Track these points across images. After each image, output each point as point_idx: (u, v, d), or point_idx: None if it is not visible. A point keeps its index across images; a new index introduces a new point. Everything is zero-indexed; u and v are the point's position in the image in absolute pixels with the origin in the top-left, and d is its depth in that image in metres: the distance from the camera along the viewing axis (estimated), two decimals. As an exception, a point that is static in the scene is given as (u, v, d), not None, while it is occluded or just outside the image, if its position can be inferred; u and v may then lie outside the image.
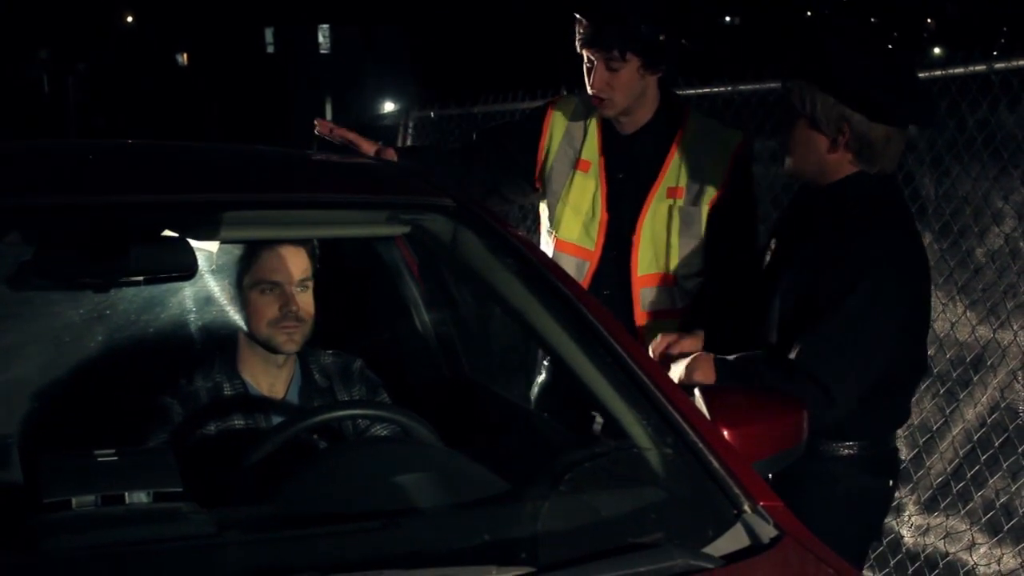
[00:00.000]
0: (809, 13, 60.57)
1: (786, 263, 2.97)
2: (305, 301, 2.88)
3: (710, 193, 3.38)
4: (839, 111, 2.85)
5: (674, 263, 3.39)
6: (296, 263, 2.87)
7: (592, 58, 3.36)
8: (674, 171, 3.40)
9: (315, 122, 3.55)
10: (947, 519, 4.69)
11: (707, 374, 2.87)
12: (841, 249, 2.83)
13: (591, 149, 3.49)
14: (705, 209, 3.38)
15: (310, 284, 2.90)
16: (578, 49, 3.40)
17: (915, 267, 2.92)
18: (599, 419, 2.71)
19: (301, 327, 2.88)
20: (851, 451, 2.94)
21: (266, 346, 2.89)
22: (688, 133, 3.43)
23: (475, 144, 3.67)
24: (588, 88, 3.40)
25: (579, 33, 3.36)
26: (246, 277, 2.87)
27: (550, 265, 2.71)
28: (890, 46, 3.19)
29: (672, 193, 3.39)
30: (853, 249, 2.82)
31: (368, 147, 3.49)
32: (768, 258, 3.08)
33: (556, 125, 3.55)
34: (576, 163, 3.50)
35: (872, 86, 2.82)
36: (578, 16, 3.36)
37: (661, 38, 3.33)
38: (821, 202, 2.95)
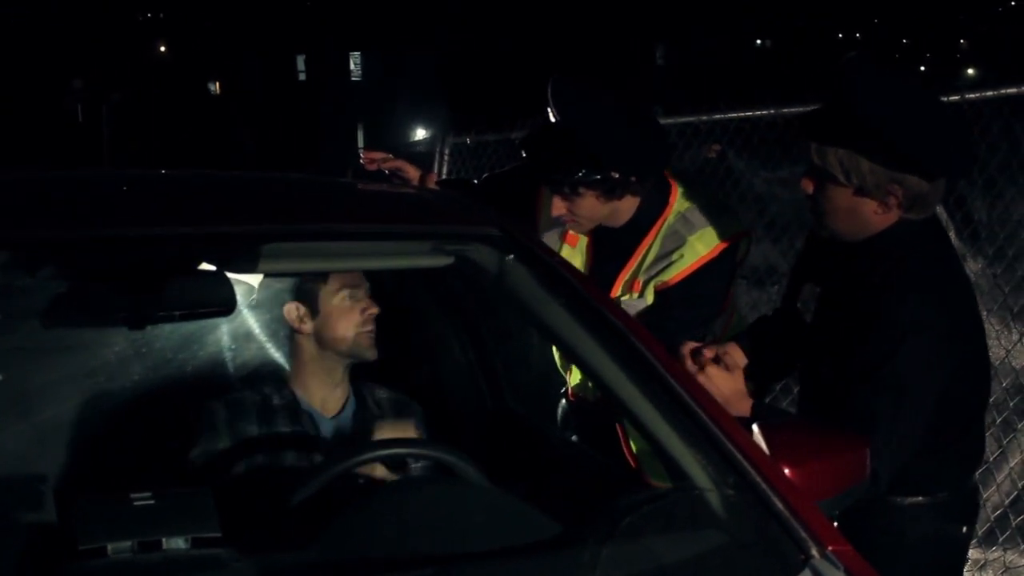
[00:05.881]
0: (840, 35, 60.53)
1: (826, 318, 2.81)
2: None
3: (656, 284, 3.22)
4: (890, 176, 2.61)
5: None
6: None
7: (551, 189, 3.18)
8: (638, 266, 3.25)
9: (361, 155, 3.51)
10: (1005, 553, 4.56)
11: (745, 408, 2.72)
12: (880, 314, 2.63)
13: None
14: (650, 299, 3.23)
15: None
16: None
17: (958, 318, 2.71)
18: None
19: (374, 332, 2.94)
20: (919, 501, 2.79)
21: (348, 354, 2.93)
22: (664, 229, 3.22)
23: (481, 190, 3.59)
24: (553, 212, 3.21)
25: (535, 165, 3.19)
26: (323, 286, 2.91)
27: (600, 297, 2.61)
28: (923, 84, 2.81)
29: (630, 287, 3.26)
30: (892, 314, 2.61)
31: (414, 173, 3.45)
32: (800, 302, 2.94)
33: (548, 193, 3.33)
34: (564, 235, 3.37)
35: (927, 146, 2.59)
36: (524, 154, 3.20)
37: (615, 175, 3.08)
38: (860, 251, 2.75)
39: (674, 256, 3.19)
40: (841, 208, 2.70)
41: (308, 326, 2.92)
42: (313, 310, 2.92)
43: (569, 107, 3.07)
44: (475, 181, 3.77)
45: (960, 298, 2.76)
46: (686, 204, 3.23)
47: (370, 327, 2.94)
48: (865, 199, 2.67)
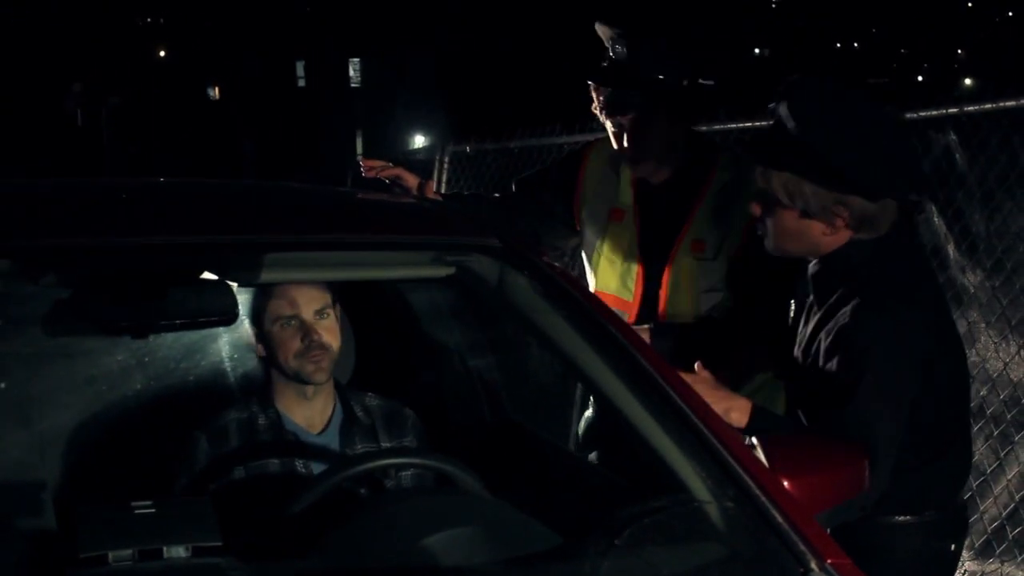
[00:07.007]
0: (838, 44, 60.57)
1: (798, 334, 2.84)
2: (326, 329, 2.85)
3: (729, 248, 3.27)
4: (835, 198, 2.64)
5: (696, 316, 3.31)
6: (311, 293, 2.84)
7: (614, 123, 3.29)
8: (698, 224, 3.30)
9: (360, 163, 3.52)
10: (1002, 565, 4.56)
11: (741, 418, 2.72)
12: (839, 338, 2.64)
13: (626, 197, 3.42)
14: (724, 263, 3.28)
15: (330, 312, 2.86)
16: (600, 117, 3.32)
17: (921, 339, 2.68)
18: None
19: (327, 355, 2.84)
20: (907, 519, 2.79)
21: (296, 378, 2.85)
22: (716, 184, 3.32)
23: (514, 195, 3.63)
24: (617, 147, 3.31)
25: (597, 100, 3.29)
26: (265, 315, 2.84)
27: (601, 308, 2.61)
28: (865, 99, 2.79)
29: (695, 247, 3.30)
30: (850, 340, 2.62)
31: (412, 181, 3.46)
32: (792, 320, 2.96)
33: (591, 173, 3.47)
34: (611, 213, 3.43)
35: (870, 165, 2.60)
36: (592, 84, 3.29)
37: (685, 83, 3.23)
38: (820, 271, 2.77)
39: (733, 209, 3.24)
40: (789, 230, 2.73)
41: (261, 349, 2.87)
42: (260, 335, 2.86)
43: (633, 38, 3.22)
44: (496, 194, 3.78)
45: (924, 318, 2.72)
46: (732, 167, 3.32)
47: (315, 353, 2.81)
48: (812, 221, 2.69)
